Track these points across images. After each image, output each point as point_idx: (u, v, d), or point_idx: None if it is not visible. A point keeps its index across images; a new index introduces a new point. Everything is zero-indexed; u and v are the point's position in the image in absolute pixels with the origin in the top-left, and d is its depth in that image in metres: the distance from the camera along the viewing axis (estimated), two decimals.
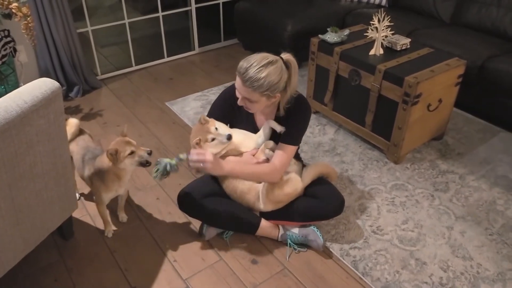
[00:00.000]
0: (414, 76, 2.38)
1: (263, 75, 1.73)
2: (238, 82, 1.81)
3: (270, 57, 1.78)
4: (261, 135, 2.01)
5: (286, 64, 1.81)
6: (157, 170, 1.84)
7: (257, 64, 1.74)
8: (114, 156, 1.84)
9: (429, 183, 2.49)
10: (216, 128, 1.88)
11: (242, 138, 1.98)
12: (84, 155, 2.02)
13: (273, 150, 1.97)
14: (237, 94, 1.88)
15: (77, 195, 2.33)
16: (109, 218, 2.16)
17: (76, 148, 2.07)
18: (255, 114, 2.03)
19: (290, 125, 1.94)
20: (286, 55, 1.84)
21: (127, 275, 1.95)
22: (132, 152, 1.86)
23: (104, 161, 1.90)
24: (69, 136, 1.99)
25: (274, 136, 2.01)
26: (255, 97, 1.80)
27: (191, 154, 1.81)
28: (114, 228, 2.16)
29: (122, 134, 1.92)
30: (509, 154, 2.73)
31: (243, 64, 1.78)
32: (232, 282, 1.91)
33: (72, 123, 2.10)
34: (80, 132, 2.14)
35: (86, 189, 2.43)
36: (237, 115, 2.04)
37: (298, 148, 2.08)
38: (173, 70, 3.88)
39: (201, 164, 1.80)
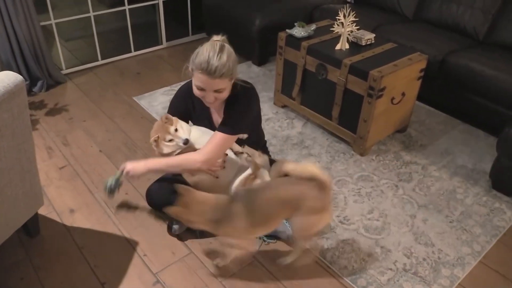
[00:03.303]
0: (378, 70, 2.45)
1: (225, 59, 1.72)
2: (202, 79, 1.75)
3: (216, 42, 1.77)
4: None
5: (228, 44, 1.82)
6: (105, 188, 1.93)
7: (214, 52, 1.72)
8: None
9: (393, 174, 2.57)
10: (176, 130, 1.86)
11: (198, 135, 1.93)
12: None
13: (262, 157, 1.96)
14: (201, 94, 1.81)
15: None
16: None
17: None
18: (211, 109, 2.01)
19: (228, 114, 1.91)
20: (220, 37, 1.83)
21: (96, 271, 1.93)
22: None
23: None
24: None
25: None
26: (224, 84, 1.77)
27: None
28: None
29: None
30: (468, 145, 2.85)
31: (199, 60, 1.73)
32: (202, 275, 1.93)
33: None
34: None
35: (51, 186, 2.38)
36: (194, 112, 2.03)
37: (250, 136, 2.01)
38: (141, 64, 3.83)
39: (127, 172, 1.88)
